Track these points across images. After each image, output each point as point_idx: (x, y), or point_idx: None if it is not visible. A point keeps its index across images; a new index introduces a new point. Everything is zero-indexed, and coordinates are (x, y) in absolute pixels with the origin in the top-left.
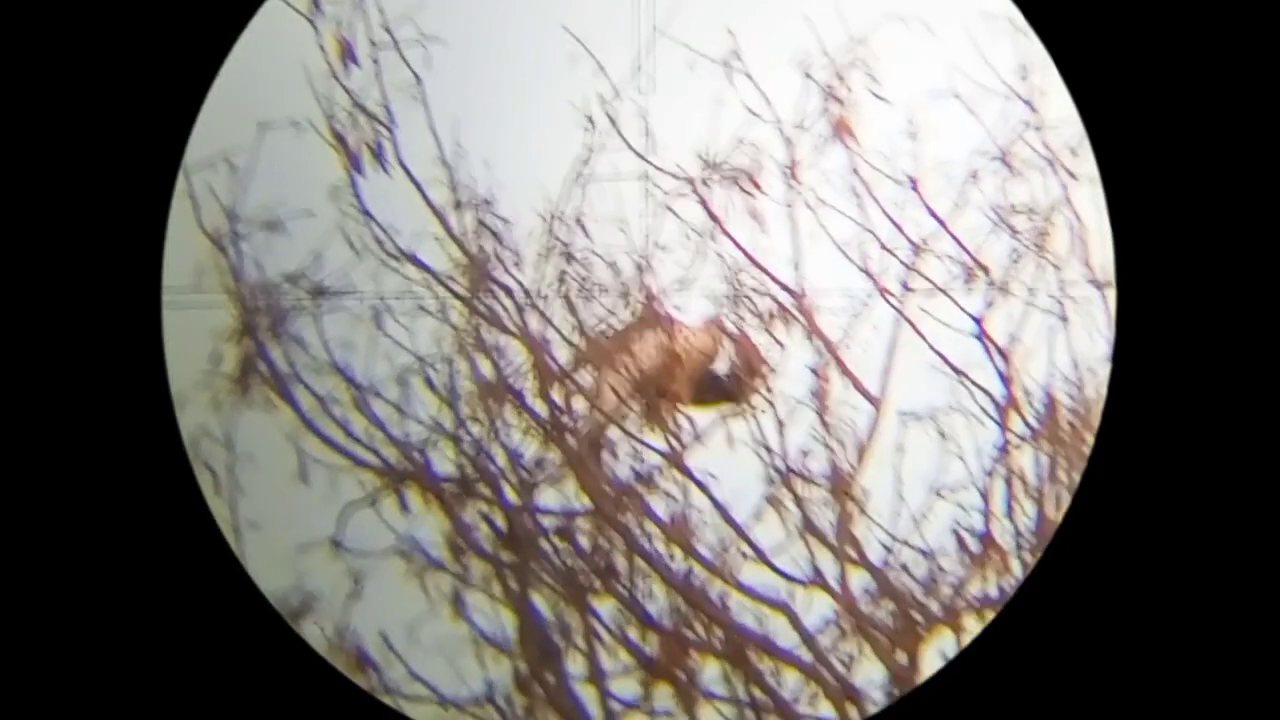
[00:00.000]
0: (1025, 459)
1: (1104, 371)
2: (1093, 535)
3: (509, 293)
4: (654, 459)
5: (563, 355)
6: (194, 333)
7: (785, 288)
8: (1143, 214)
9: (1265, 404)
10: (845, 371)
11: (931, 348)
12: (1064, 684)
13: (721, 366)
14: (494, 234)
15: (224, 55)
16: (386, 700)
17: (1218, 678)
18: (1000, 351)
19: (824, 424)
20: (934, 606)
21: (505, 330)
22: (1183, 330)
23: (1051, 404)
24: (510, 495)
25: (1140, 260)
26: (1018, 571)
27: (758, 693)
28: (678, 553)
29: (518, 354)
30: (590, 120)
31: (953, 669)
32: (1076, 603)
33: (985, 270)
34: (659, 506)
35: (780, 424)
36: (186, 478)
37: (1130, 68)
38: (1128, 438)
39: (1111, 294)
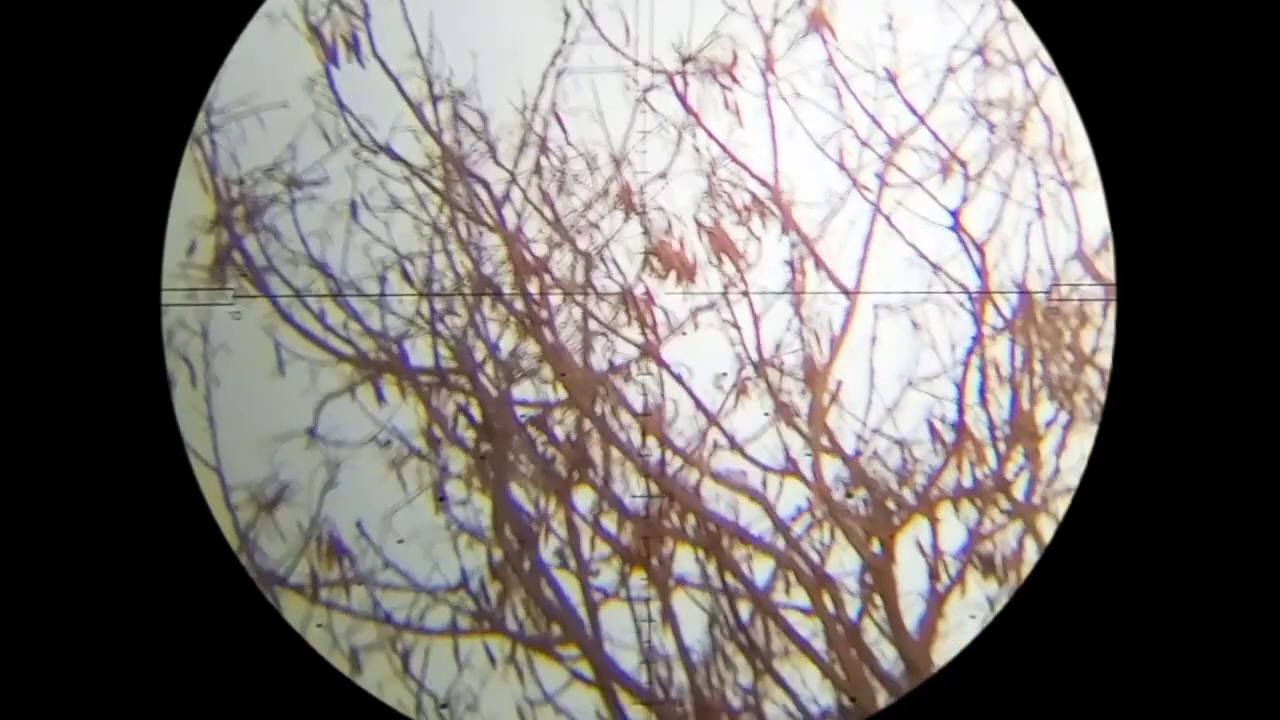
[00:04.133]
0: (999, 350)
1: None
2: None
3: (485, 186)
4: (630, 351)
5: (539, 248)
6: (170, 225)
7: (762, 181)
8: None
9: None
10: (820, 264)
11: (906, 241)
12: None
13: None
14: (470, 127)
15: None
16: (359, 590)
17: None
18: (975, 244)
19: (799, 316)
20: (908, 495)
21: (481, 223)
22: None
23: (1026, 296)
24: (487, 386)
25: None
26: (992, 461)
27: (731, 579)
28: (652, 443)
29: (494, 247)
30: (566, 12)
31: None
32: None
33: (962, 164)
34: (634, 398)
35: (755, 316)
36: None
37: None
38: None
39: (1082, 192)
